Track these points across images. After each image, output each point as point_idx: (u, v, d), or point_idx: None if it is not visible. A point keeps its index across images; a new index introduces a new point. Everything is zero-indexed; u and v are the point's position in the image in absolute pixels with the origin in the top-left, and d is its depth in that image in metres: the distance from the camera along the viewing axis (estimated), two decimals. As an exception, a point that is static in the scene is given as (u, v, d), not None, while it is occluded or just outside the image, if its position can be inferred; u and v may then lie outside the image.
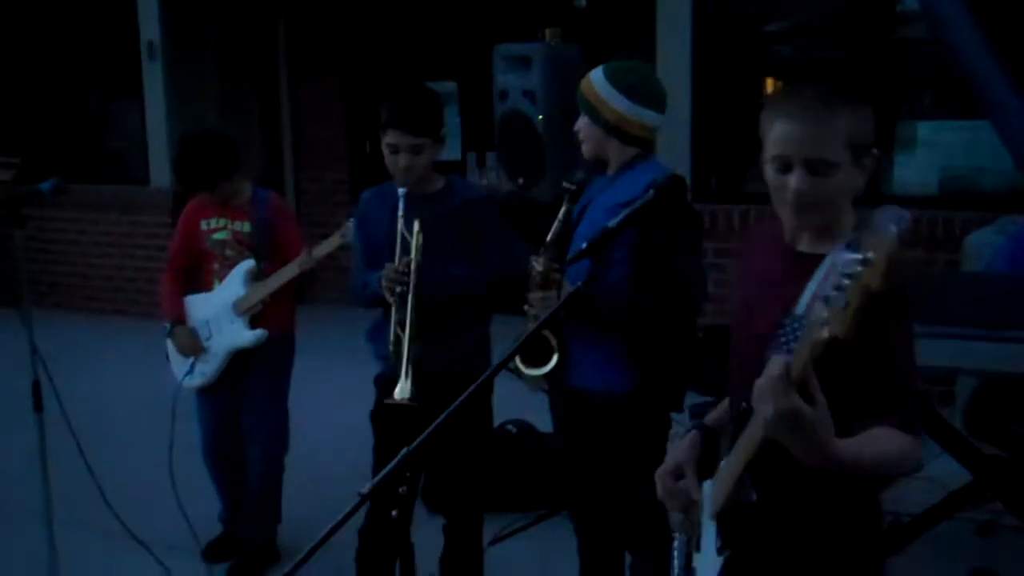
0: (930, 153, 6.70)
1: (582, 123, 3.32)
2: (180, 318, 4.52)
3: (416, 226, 3.46)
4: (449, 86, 9.56)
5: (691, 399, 5.14)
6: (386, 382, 3.70)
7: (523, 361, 3.28)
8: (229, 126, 8.47)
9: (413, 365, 3.35)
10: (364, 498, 2.29)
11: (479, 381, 2.38)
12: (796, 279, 2.00)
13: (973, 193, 6.27)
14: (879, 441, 1.98)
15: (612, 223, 2.80)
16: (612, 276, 3.03)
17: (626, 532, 3.43)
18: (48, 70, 9.92)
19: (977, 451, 4.27)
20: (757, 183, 8.19)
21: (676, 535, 2.49)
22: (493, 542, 4.54)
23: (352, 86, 9.38)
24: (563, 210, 3.31)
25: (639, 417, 3.29)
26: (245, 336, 4.42)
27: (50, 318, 8.02)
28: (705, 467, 2.38)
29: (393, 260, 3.52)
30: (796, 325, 1.97)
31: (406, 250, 3.47)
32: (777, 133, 2.22)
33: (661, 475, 2.45)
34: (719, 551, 2.20)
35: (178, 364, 4.58)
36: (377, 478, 2.32)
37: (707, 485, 2.35)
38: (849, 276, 1.69)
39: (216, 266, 4.48)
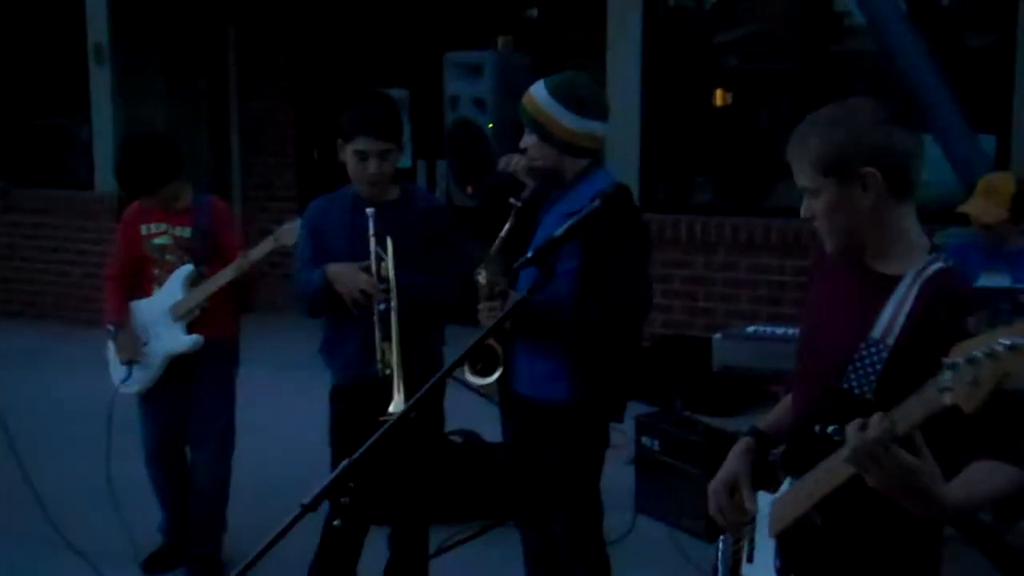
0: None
1: (531, 142, 3.30)
2: (122, 321, 4.46)
3: (389, 242, 3.46)
4: (400, 93, 9.54)
5: (638, 409, 5.21)
6: (343, 395, 3.68)
7: (472, 370, 3.29)
8: (177, 131, 8.39)
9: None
10: (306, 509, 2.28)
11: (423, 390, 2.37)
12: (870, 299, 2.04)
13: (917, 206, 6.34)
14: (989, 477, 1.94)
15: (558, 232, 2.80)
16: (559, 287, 3.04)
17: (561, 546, 3.43)
18: (-8, 71, 9.78)
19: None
20: (705, 193, 8.29)
21: (721, 536, 2.44)
22: (438, 552, 4.52)
23: (302, 92, 9.33)
24: (507, 226, 3.33)
25: (580, 427, 3.30)
26: (181, 341, 4.37)
27: (-9, 323, 7.89)
28: (758, 474, 2.34)
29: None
30: (873, 349, 2.01)
31: (379, 267, 3.47)
32: None
33: (715, 490, 2.36)
34: (779, 572, 2.18)
35: (116, 369, 4.52)
36: (320, 489, 2.31)
37: (763, 498, 2.29)
38: (990, 355, 1.62)
39: (157, 271, 4.43)
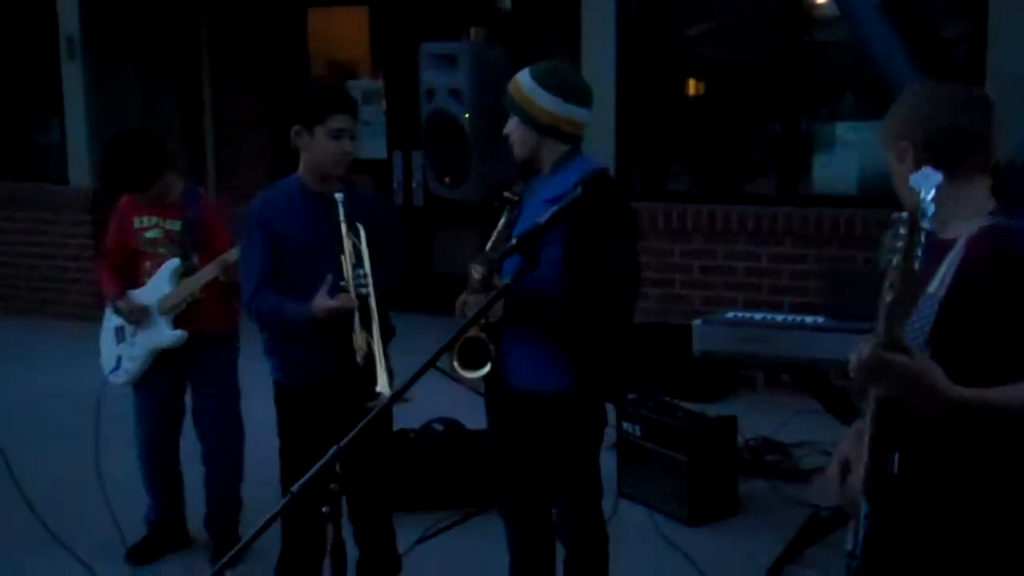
0: (848, 153, 6.84)
1: (513, 125, 3.33)
2: (121, 293, 4.46)
3: (360, 229, 3.45)
4: (376, 84, 9.54)
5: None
6: (289, 396, 3.65)
7: (460, 364, 3.27)
8: (151, 124, 8.36)
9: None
10: (293, 495, 2.30)
11: (411, 378, 2.38)
12: (934, 262, 2.18)
13: (890, 193, 6.39)
14: (1014, 389, 2.06)
15: (542, 219, 2.83)
16: (545, 274, 3.05)
17: (562, 528, 3.45)
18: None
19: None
20: (681, 182, 8.31)
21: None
22: (421, 540, 4.55)
23: (275, 86, 9.30)
24: (503, 220, 3.33)
25: (577, 415, 3.30)
26: (167, 336, 4.38)
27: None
28: None
29: (314, 263, 3.47)
30: (928, 303, 2.17)
31: (356, 256, 3.44)
32: None
33: (830, 476, 2.41)
34: (866, 519, 2.24)
35: (107, 359, 4.55)
36: (307, 475, 2.33)
37: None
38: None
39: (148, 264, 4.44)
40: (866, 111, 6.88)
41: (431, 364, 2.41)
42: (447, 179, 6.22)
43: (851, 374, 2.04)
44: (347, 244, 3.45)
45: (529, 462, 3.44)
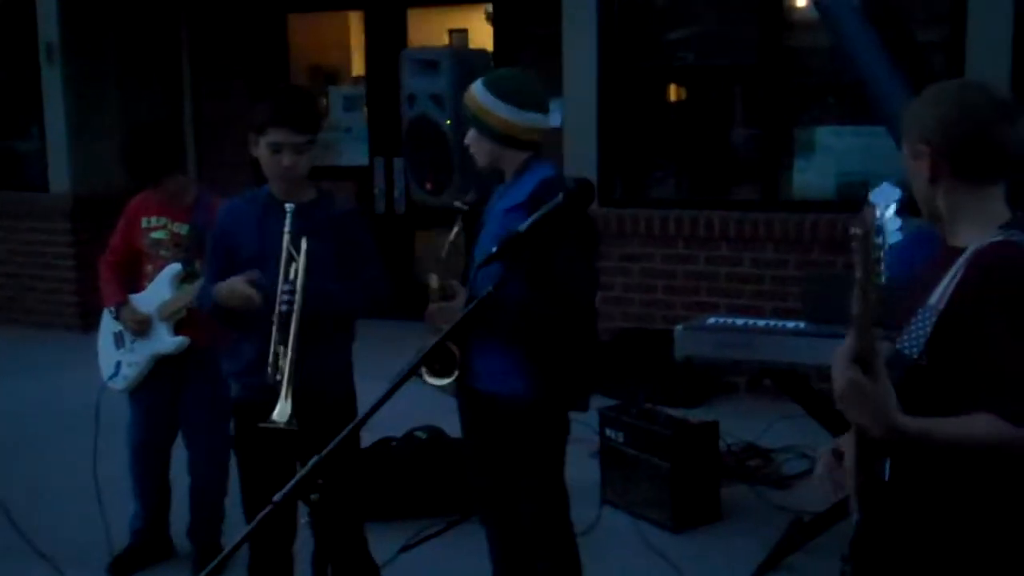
0: (828, 158, 6.86)
1: (472, 137, 3.37)
2: (123, 300, 4.43)
3: (304, 244, 3.36)
4: (358, 90, 9.53)
5: (601, 402, 5.24)
6: (244, 409, 3.59)
7: (428, 371, 3.31)
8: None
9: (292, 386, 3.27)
10: (274, 505, 2.28)
11: (383, 395, 2.36)
12: (940, 270, 2.16)
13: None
14: (966, 423, 2.01)
15: (522, 227, 2.81)
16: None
17: (528, 538, 3.45)
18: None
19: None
20: (663, 187, 8.33)
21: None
22: (404, 549, 4.54)
23: (256, 90, 9.26)
24: (455, 230, 3.36)
25: (539, 420, 3.32)
26: (167, 342, 4.35)
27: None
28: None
29: (271, 274, 3.40)
30: (928, 314, 2.12)
31: (287, 270, 3.35)
32: None
33: (824, 458, 2.38)
34: (857, 527, 2.23)
35: (105, 365, 4.52)
36: (288, 486, 2.32)
37: None
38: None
39: (150, 268, 4.42)
40: (847, 116, 6.91)
41: (408, 376, 2.39)
42: (428, 185, 6.20)
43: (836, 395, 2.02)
44: (283, 255, 3.36)
45: (500, 466, 3.45)
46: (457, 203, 3.41)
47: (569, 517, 3.46)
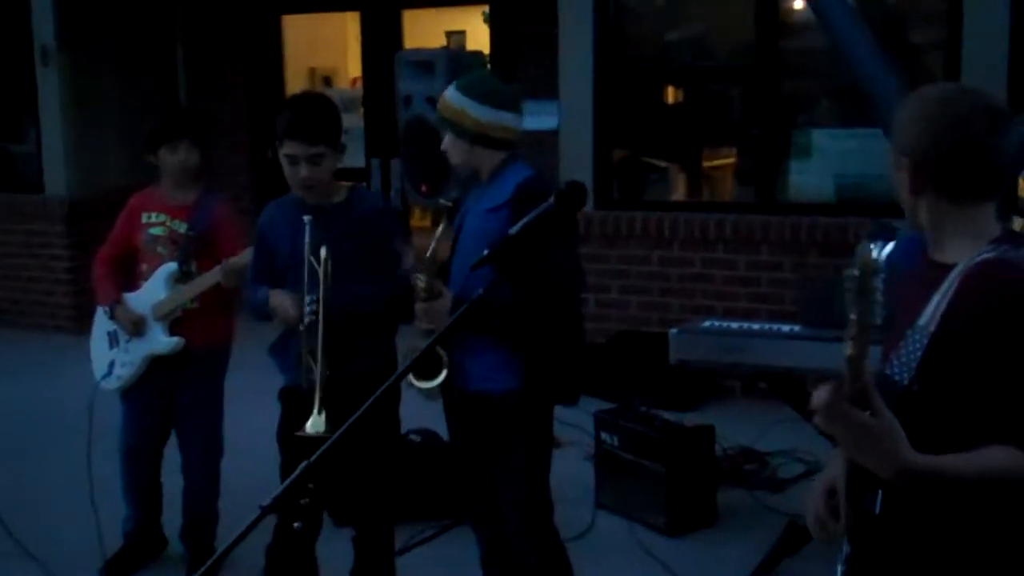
0: (825, 161, 6.85)
1: (448, 141, 3.39)
2: (118, 299, 4.42)
3: (323, 253, 3.41)
4: (354, 92, 9.53)
5: (597, 405, 5.23)
6: (292, 396, 3.65)
7: (414, 375, 3.30)
8: (127, 132, 8.31)
9: (324, 395, 3.32)
10: (265, 511, 2.27)
11: (376, 394, 2.36)
12: (927, 288, 2.02)
13: (867, 200, 6.43)
14: (982, 457, 1.88)
15: (513, 230, 2.82)
16: (488, 281, 3.07)
17: (512, 535, 3.43)
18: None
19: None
20: (659, 189, 8.31)
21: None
22: (401, 552, 4.51)
23: (253, 91, 9.26)
24: (441, 227, 3.37)
25: (527, 413, 3.32)
26: (162, 343, 4.34)
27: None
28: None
29: (294, 280, 3.51)
30: (917, 336, 1.99)
31: (314, 278, 3.42)
32: None
33: (814, 499, 2.21)
34: (846, 561, 2.13)
35: (98, 364, 4.50)
36: (279, 490, 2.31)
37: None
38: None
39: (145, 267, 4.40)
40: (844, 118, 6.89)
41: (398, 380, 2.39)
42: (424, 187, 6.20)
43: (813, 418, 1.87)
44: (305, 268, 3.45)
45: (487, 465, 3.44)
46: (443, 201, 3.42)
47: (551, 518, 3.45)
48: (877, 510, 2.02)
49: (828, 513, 2.16)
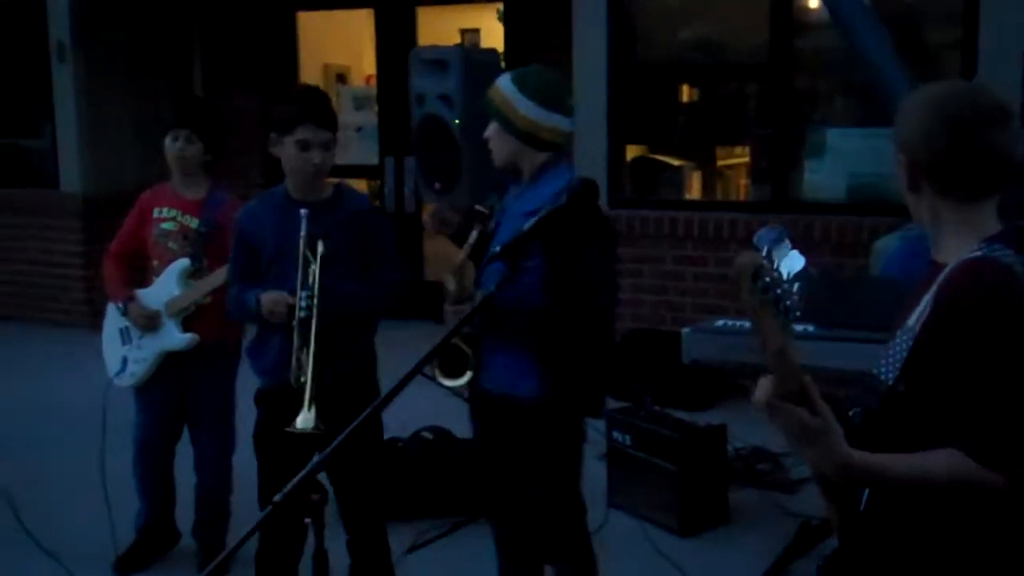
0: (838, 160, 6.83)
1: (493, 131, 3.30)
2: (130, 295, 4.43)
3: (320, 248, 3.40)
4: (369, 90, 9.53)
5: (609, 404, 5.21)
6: (270, 397, 3.61)
7: (441, 372, 3.28)
8: (143, 128, 8.34)
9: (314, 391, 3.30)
10: (275, 505, 2.28)
11: (395, 388, 2.36)
12: (923, 287, 2.02)
13: (880, 199, 6.41)
14: (924, 460, 1.88)
15: (525, 227, 2.80)
16: (525, 284, 3.04)
17: (545, 544, 3.42)
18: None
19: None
20: (672, 189, 8.29)
21: None
22: (411, 550, 4.53)
23: (268, 87, 9.27)
24: (475, 233, 3.32)
25: (553, 423, 3.28)
26: (176, 339, 4.35)
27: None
28: None
29: (278, 274, 3.48)
30: (905, 336, 1.98)
31: (307, 272, 3.40)
32: None
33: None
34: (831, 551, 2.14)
35: (111, 361, 4.51)
36: (290, 485, 2.31)
37: None
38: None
39: (156, 263, 4.41)
40: (858, 117, 6.87)
41: (413, 375, 2.38)
42: (436, 185, 6.18)
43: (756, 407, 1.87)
44: (299, 260, 3.42)
45: (510, 467, 3.43)
46: (478, 207, 3.36)
47: (585, 523, 3.42)
48: (862, 506, 2.02)
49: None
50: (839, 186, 6.82)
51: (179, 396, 4.49)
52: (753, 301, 1.76)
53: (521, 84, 3.23)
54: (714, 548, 4.65)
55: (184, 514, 4.64)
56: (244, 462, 4.57)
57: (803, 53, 6.86)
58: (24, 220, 9.17)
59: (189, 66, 9.48)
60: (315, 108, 3.51)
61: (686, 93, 7.75)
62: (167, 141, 4.38)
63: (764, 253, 1.80)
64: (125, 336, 4.50)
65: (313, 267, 3.40)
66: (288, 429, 3.25)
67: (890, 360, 2.00)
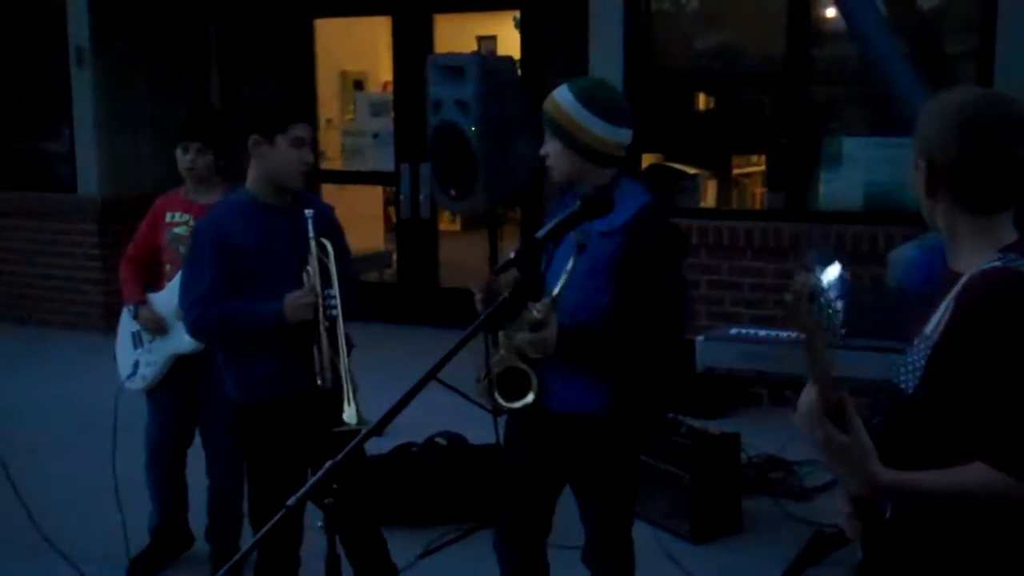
0: (855, 169, 6.82)
1: (553, 148, 3.12)
2: (142, 299, 4.47)
3: (331, 249, 3.42)
4: (385, 96, 9.55)
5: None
6: (264, 413, 3.60)
7: (501, 394, 3.07)
8: (160, 133, 8.37)
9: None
10: (287, 509, 2.29)
11: (407, 394, 2.36)
12: (940, 296, 2.03)
13: (896, 209, 6.40)
14: (957, 476, 1.89)
15: (540, 234, 2.77)
16: (595, 307, 2.98)
17: (590, 554, 3.37)
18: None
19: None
20: (687, 197, 8.28)
21: None
22: (423, 555, 4.53)
23: (285, 92, 9.31)
24: (572, 261, 3.04)
25: (617, 438, 3.19)
26: (185, 342, 4.36)
27: (-28, 327, 7.86)
28: None
29: (262, 282, 3.45)
30: (923, 345, 1.99)
31: (324, 273, 3.40)
32: None
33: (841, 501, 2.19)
34: (857, 564, 2.14)
35: (123, 365, 4.54)
36: (304, 489, 2.33)
37: None
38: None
39: (168, 267, 4.44)
40: (875, 127, 6.86)
41: (426, 380, 2.39)
42: (452, 191, 6.20)
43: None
44: (313, 263, 3.42)
45: (550, 486, 3.36)
46: (538, 234, 2.87)
47: (631, 535, 3.40)
48: (887, 515, 2.02)
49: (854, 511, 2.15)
50: (855, 195, 6.81)
51: (190, 400, 4.50)
52: (810, 323, 1.77)
53: (584, 99, 3.09)
54: (726, 555, 4.64)
55: (199, 517, 4.65)
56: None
57: (820, 62, 6.86)
58: (42, 223, 9.22)
59: (206, 71, 9.53)
60: (303, 107, 3.57)
61: (702, 101, 7.76)
62: (178, 152, 4.41)
63: (816, 273, 1.82)
64: (137, 340, 4.53)
65: (329, 265, 3.41)
66: (336, 430, 3.18)
67: (910, 368, 2.01)
